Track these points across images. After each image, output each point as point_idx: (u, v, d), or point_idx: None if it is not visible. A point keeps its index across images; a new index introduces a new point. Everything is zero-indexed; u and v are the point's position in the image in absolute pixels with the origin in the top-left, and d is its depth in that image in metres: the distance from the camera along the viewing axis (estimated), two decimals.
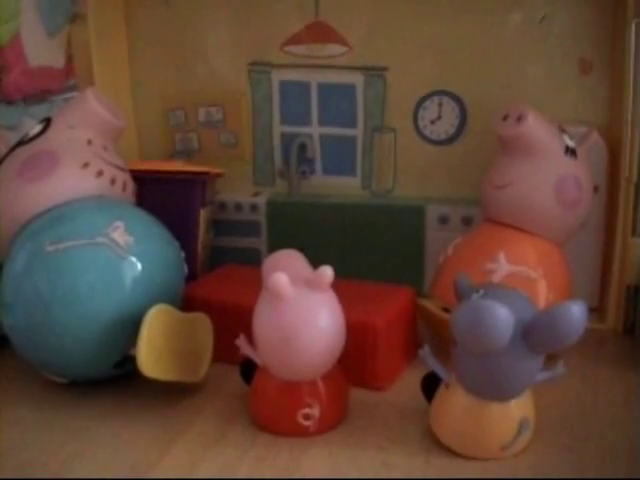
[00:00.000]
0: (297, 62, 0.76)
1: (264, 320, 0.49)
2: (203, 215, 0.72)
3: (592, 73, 0.69)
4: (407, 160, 0.75)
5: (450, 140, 0.74)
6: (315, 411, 0.50)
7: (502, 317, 0.43)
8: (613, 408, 0.54)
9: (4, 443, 0.51)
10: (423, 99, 0.73)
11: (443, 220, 0.73)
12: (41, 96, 0.74)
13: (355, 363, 0.56)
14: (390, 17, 0.72)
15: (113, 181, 0.60)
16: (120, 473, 0.47)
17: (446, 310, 0.59)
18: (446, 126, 0.74)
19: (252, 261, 0.76)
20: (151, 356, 0.51)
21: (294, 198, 0.78)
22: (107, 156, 0.61)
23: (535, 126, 0.59)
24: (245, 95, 0.78)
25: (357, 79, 0.75)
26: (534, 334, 0.44)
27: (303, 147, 0.77)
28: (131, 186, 0.63)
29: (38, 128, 0.61)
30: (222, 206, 0.79)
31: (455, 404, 0.48)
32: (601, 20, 0.68)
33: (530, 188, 0.60)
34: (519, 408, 0.47)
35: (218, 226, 0.78)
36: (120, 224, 0.55)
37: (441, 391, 0.49)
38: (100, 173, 0.59)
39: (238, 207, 0.79)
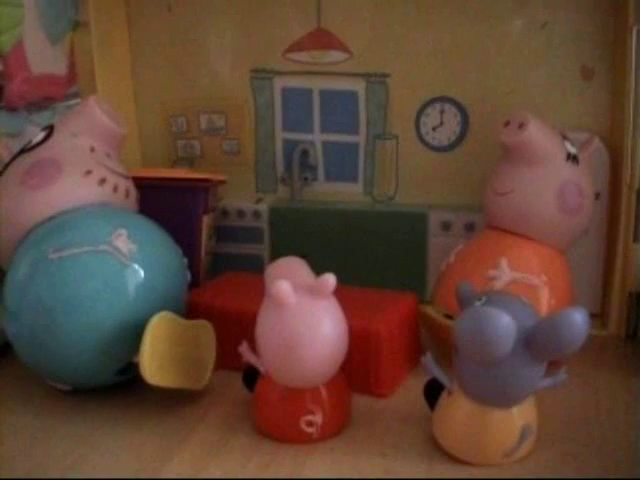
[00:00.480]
0: (299, 69, 0.76)
1: (267, 327, 0.49)
2: (206, 222, 0.72)
3: (593, 80, 0.69)
4: (409, 166, 0.75)
5: (452, 146, 0.74)
6: (318, 418, 0.50)
7: (504, 325, 0.43)
8: (615, 414, 0.54)
9: (7, 450, 0.51)
10: (425, 106, 0.74)
11: (445, 226, 0.73)
12: (44, 103, 0.74)
13: (358, 370, 0.56)
14: (392, 24, 0.72)
15: (116, 188, 0.60)
16: None
17: (449, 317, 0.59)
18: (448, 132, 0.74)
19: (255, 268, 0.77)
20: (154, 363, 0.51)
21: (296, 205, 0.78)
22: (110, 163, 0.61)
23: (537, 133, 0.60)
24: (247, 102, 0.78)
25: (359, 86, 0.75)
26: (536, 341, 0.44)
27: (305, 154, 0.77)
28: (134, 193, 0.63)
29: (41, 136, 0.61)
30: (225, 213, 0.79)
31: (457, 411, 0.48)
32: (602, 27, 0.68)
33: (532, 195, 0.60)
34: (521, 415, 0.47)
35: (221, 233, 0.78)
36: (123, 231, 0.55)
37: (443, 398, 0.49)
38: (103, 180, 0.59)
39: (241, 214, 0.79)
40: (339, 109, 0.76)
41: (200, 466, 0.48)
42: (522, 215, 0.60)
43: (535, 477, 0.46)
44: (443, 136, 0.74)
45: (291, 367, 0.48)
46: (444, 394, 0.49)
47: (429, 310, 0.61)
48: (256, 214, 0.78)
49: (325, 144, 0.77)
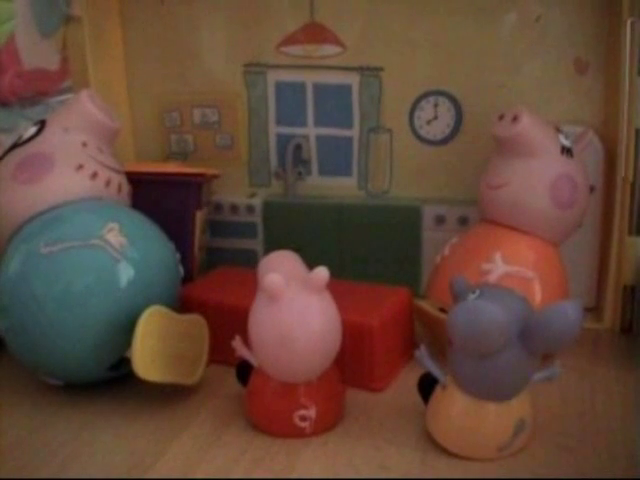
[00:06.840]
0: (292, 63, 0.75)
1: (260, 321, 0.49)
2: (199, 217, 0.72)
3: (588, 73, 0.69)
4: (403, 160, 0.75)
5: (446, 140, 0.74)
6: (311, 412, 0.50)
7: (498, 318, 0.43)
8: (610, 408, 0.54)
9: (0, 446, 0.51)
10: (419, 99, 0.73)
11: (439, 220, 0.73)
12: (36, 98, 0.73)
13: (351, 364, 0.56)
14: (385, 17, 0.72)
15: (108, 183, 0.60)
16: (116, 475, 0.47)
17: (443, 310, 0.58)
18: (442, 126, 0.73)
19: (248, 262, 0.76)
20: (146, 358, 0.51)
21: (290, 199, 0.78)
22: (102, 158, 0.61)
23: (530, 126, 0.59)
24: (241, 96, 0.78)
25: (353, 79, 0.75)
26: (530, 334, 0.44)
27: (299, 148, 0.77)
28: (126, 188, 0.63)
29: (33, 130, 0.60)
30: (218, 207, 0.79)
31: (452, 405, 0.48)
32: (596, 20, 0.67)
33: (526, 188, 0.60)
34: (516, 408, 0.47)
35: (214, 227, 0.78)
36: (115, 226, 0.55)
37: (438, 392, 0.49)
38: (95, 175, 0.59)
39: (234, 208, 0.79)
40: (333, 103, 0.76)
41: (193, 461, 0.48)
42: (516, 208, 0.60)
43: (529, 471, 0.46)
44: (437, 130, 0.74)
45: (284, 361, 0.48)
46: (438, 388, 0.49)
47: (423, 304, 0.61)
48: (249, 208, 0.78)
49: (319, 138, 0.77)
